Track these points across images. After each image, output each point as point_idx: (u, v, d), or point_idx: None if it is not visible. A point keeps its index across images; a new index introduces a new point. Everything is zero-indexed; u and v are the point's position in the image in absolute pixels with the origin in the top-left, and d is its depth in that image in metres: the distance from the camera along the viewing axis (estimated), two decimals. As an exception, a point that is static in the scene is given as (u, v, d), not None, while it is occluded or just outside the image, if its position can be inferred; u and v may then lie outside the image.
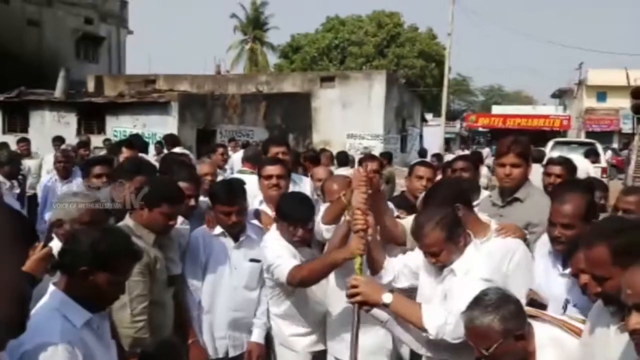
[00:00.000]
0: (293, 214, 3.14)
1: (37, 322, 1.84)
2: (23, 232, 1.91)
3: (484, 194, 4.04)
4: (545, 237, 2.88)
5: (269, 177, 3.75)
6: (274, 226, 3.28)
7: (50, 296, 2.04)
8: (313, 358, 3.34)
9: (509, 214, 3.32)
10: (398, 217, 3.33)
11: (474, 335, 2.13)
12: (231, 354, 3.36)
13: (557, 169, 4.19)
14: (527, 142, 3.63)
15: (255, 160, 5.53)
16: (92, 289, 2.03)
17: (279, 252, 3.13)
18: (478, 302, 2.14)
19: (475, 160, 5.61)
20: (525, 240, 3.03)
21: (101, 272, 2.03)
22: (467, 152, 15.69)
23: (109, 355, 2.18)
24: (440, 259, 2.56)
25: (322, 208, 3.48)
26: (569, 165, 4.26)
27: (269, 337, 3.39)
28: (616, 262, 1.83)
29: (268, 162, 3.90)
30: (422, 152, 14.17)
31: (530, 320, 2.19)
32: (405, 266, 2.86)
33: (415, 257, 2.82)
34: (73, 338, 1.95)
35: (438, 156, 11.65)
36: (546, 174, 4.22)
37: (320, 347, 3.34)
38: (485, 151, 22.24)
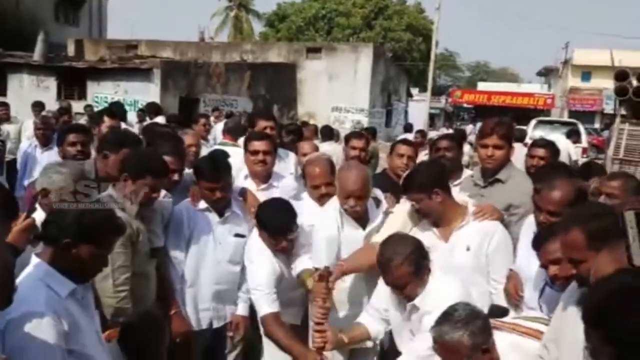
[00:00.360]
0: (273, 226, 3.06)
1: (22, 292, 1.84)
2: (5, 204, 1.90)
3: (467, 172, 4.06)
4: (531, 218, 2.91)
5: (256, 152, 3.71)
6: (255, 231, 3.21)
7: (34, 267, 2.04)
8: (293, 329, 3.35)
9: (490, 194, 3.34)
10: (388, 212, 3.29)
11: (444, 350, 2.20)
12: (215, 325, 3.38)
13: (540, 152, 4.17)
14: (511, 123, 3.65)
15: (237, 132, 5.48)
16: (76, 261, 2.03)
17: (260, 280, 3.09)
18: (447, 318, 2.20)
19: (459, 139, 5.62)
20: (502, 221, 3.06)
21: (85, 245, 2.03)
22: (450, 130, 15.63)
23: (94, 324, 2.19)
24: (405, 292, 2.60)
25: (305, 195, 3.48)
26: (552, 148, 4.25)
27: (252, 309, 3.38)
28: (591, 246, 1.88)
29: (255, 137, 3.84)
30: (408, 127, 14.17)
31: None
32: (379, 313, 2.87)
33: (381, 295, 2.84)
34: (58, 307, 1.96)
35: (422, 132, 11.66)
36: (530, 156, 4.21)
37: (297, 321, 3.38)
38: (469, 128, 22.36)
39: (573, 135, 11.50)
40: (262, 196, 3.52)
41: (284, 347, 3.04)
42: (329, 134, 8.61)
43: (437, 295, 2.54)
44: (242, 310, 3.40)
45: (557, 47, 56.34)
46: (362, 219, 3.18)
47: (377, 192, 3.36)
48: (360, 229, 3.18)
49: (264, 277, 3.09)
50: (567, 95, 36.48)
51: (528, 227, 2.92)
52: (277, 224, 3.06)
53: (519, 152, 4.58)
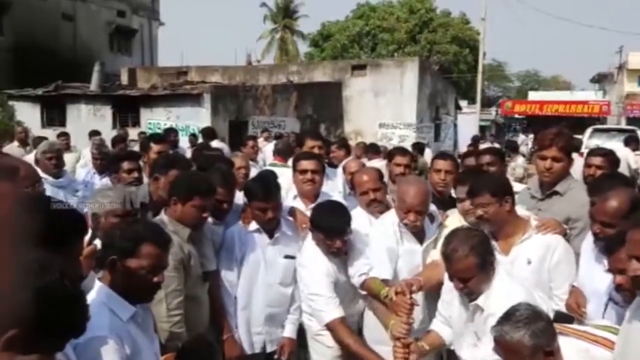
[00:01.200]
0: (328, 226, 3.06)
1: None
2: (74, 225, 1.97)
3: (517, 186, 3.93)
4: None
5: (304, 172, 3.74)
6: (309, 236, 3.22)
7: (97, 292, 2.11)
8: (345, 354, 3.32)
9: (548, 207, 3.26)
10: (442, 225, 3.28)
11: (504, 350, 2.15)
12: (268, 349, 3.38)
13: (598, 160, 3.98)
14: (571, 135, 3.53)
15: (287, 153, 5.53)
16: (127, 278, 2.09)
17: (319, 284, 3.09)
18: (509, 318, 2.16)
19: (502, 152, 5.47)
20: (565, 235, 2.97)
21: (129, 259, 2.08)
22: (495, 144, 15.21)
23: (153, 347, 2.23)
24: (469, 286, 2.54)
25: (355, 212, 3.43)
26: (611, 157, 4.04)
27: (301, 331, 3.40)
28: None
29: (303, 157, 3.87)
30: (476, 138, 13.96)
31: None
32: (445, 320, 2.86)
33: (445, 300, 2.82)
34: (121, 331, 2.02)
35: (475, 143, 11.43)
36: (587, 165, 4.03)
37: None
38: (521, 139, 21.75)
39: (632, 142, 11.01)
40: (311, 216, 3.50)
41: (355, 354, 3.03)
42: (375, 151, 8.58)
43: (502, 296, 2.48)
44: (289, 332, 3.39)
45: (610, 52, 54.49)
46: (419, 234, 3.18)
47: (432, 208, 3.34)
48: (418, 244, 3.17)
49: (323, 281, 3.09)
50: (623, 102, 35.10)
51: (588, 240, 2.83)
52: (333, 224, 3.06)
53: (575, 163, 4.42)
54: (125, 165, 4.04)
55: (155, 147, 4.32)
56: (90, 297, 2.06)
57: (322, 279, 3.10)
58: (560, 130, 3.37)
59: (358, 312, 3.35)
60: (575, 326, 2.44)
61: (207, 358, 2.56)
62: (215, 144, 9.00)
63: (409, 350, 2.75)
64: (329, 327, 3.07)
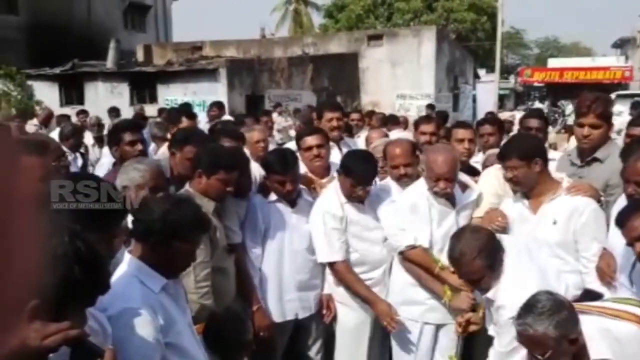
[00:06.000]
0: (359, 173, 3.17)
1: (119, 289, 1.90)
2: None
3: (553, 154, 3.87)
4: (623, 196, 2.80)
5: (309, 148, 3.67)
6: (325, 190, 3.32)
7: (127, 264, 2.12)
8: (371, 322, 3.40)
9: (587, 174, 3.26)
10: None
11: (529, 343, 2.12)
12: (301, 315, 3.43)
13: (638, 130, 3.75)
14: (609, 101, 3.49)
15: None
16: (165, 257, 2.09)
17: (325, 235, 3.25)
18: (531, 310, 2.12)
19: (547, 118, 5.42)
20: (599, 201, 2.97)
21: (173, 241, 2.07)
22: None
23: (186, 318, 2.25)
24: (480, 286, 2.59)
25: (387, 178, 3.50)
26: None
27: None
28: None
29: (306, 133, 3.80)
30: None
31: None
32: None
33: None
34: (153, 302, 2.02)
35: (492, 115, 11.21)
36: (628, 135, 3.85)
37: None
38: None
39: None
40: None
41: (357, 294, 3.24)
42: (394, 122, 8.49)
43: (510, 287, 2.49)
44: (327, 289, 3.47)
45: (632, 15, 52.83)
46: (450, 200, 3.22)
47: (464, 177, 3.34)
48: (451, 206, 3.20)
49: (329, 223, 3.24)
50: (647, 66, 34.24)
51: (619, 205, 2.80)
52: (363, 172, 3.18)
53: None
54: (127, 136, 3.53)
55: (186, 122, 4.23)
56: (121, 270, 2.10)
57: (329, 231, 3.24)
58: (597, 97, 3.33)
59: (380, 264, 3.38)
60: (595, 303, 2.43)
61: (236, 330, 2.58)
62: (225, 118, 8.98)
63: (470, 322, 2.91)
64: (335, 269, 3.28)
